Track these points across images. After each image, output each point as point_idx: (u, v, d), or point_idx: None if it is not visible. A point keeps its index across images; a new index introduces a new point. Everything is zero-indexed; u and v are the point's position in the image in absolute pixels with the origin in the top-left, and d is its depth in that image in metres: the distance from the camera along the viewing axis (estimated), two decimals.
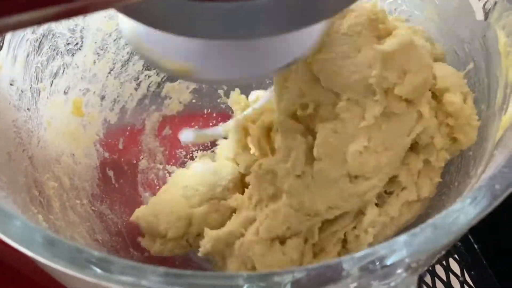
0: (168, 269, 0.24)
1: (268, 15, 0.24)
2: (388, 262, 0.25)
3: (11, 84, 0.43)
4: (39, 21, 0.22)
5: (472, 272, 0.53)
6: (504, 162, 0.26)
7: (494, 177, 0.26)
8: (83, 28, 0.50)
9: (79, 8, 0.22)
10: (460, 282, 0.53)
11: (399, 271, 0.26)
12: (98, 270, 0.24)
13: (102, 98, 0.54)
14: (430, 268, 0.53)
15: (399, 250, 0.25)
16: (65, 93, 0.50)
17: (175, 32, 0.26)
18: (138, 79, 0.57)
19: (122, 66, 0.55)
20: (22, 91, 0.44)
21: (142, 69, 0.57)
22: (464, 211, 0.24)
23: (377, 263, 0.25)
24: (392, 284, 0.26)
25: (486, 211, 0.25)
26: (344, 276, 0.24)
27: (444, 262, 0.54)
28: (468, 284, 0.53)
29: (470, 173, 0.35)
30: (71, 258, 0.25)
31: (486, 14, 0.38)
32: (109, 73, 0.54)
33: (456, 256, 0.54)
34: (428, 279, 0.53)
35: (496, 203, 0.25)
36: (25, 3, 0.21)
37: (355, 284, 0.25)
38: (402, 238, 0.25)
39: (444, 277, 0.53)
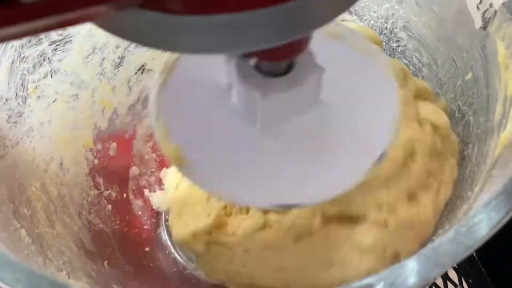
0: None
1: (252, 28, 0.23)
2: None
3: None
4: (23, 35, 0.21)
5: (470, 280, 0.53)
6: (502, 189, 0.25)
7: (490, 203, 0.25)
8: (71, 32, 0.49)
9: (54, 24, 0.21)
10: None
11: None
12: None
13: (93, 103, 0.53)
14: None
15: (392, 282, 0.24)
16: (53, 99, 0.49)
17: (155, 47, 0.25)
18: (129, 84, 0.56)
19: (113, 70, 0.54)
20: (6, 100, 0.43)
21: (134, 73, 0.56)
22: (458, 240, 0.23)
23: None
24: None
25: (483, 240, 0.24)
26: None
27: (442, 272, 0.53)
28: None
29: (467, 192, 0.34)
30: None
31: (485, 23, 0.37)
32: (99, 78, 0.53)
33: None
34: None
35: (493, 231, 0.24)
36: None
37: None
38: (396, 269, 0.24)
39: (441, 285, 0.53)
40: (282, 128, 0.31)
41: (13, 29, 0.20)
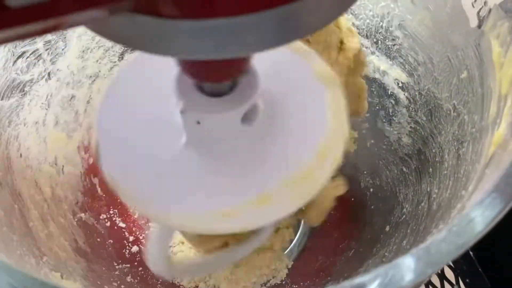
0: None
1: (245, 34, 0.23)
2: None
3: None
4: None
5: (467, 280, 0.53)
6: (493, 188, 0.25)
7: (483, 202, 0.24)
8: (66, 32, 0.49)
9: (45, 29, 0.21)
10: None
11: None
12: None
13: (87, 103, 0.53)
14: None
15: (384, 282, 0.23)
16: (47, 99, 0.48)
17: (150, 51, 0.24)
18: None
19: (109, 70, 0.54)
20: (1, 98, 0.42)
21: None
22: (450, 240, 0.23)
23: None
24: None
25: (475, 239, 0.24)
26: None
27: (438, 270, 0.53)
28: None
29: (461, 191, 0.34)
30: None
31: (480, 22, 0.37)
32: (95, 77, 0.53)
33: (451, 263, 0.53)
34: (422, 287, 0.53)
35: (487, 229, 0.24)
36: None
37: None
38: (387, 269, 0.24)
39: (438, 285, 0.53)
40: (216, 145, 0.32)
41: (2, 34, 0.20)
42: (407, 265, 0.23)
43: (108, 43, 0.53)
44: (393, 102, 0.52)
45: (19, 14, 0.19)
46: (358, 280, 0.23)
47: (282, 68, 0.34)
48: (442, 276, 0.53)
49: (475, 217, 0.24)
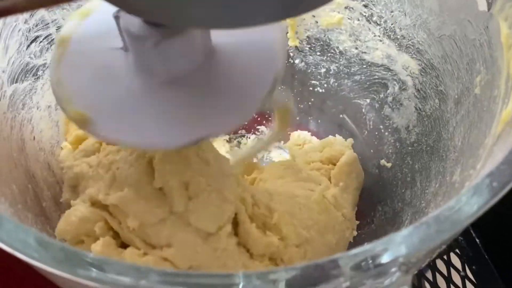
0: (166, 269, 0.23)
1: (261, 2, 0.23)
2: (383, 260, 0.24)
3: (3, 71, 0.42)
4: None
5: (474, 267, 0.53)
6: (502, 159, 0.25)
7: (492, 174, 0.25)
8: None
9: None
10: (461, 277, 0.53)
11: (393, 269, 0.25)
12: (94, 272, 0.23)
13: None
14: (431, 263, 0.53)
15: (393, 248, 0.24)
16: None
17: (165, 21, 0.25)
18: None
19: None
20: (14, 82, 0.43)
21: None
22: (461, 209, 0.24)
23: (370, 261, 0.24)
24: (386, 282, 0.26)
25: (483, 209, 0.24)
26: (337, 274, 0.24)
27: (445, 257, 0.53)
28: (469, 279, 0.52)
29: (469, 169, 0.34)
30: (65, 260, 0.24)
31: (489, 5, 0.37)
32: None
33: (457, 250, 0.54)
34: (429, 274, 0.53)
35: (494, 201, 0.24)
36: None
37: (347, 284, 0.24)
38: (397, 236, 0.24)
39: (445, 271, 0.53)
40: (178, 78, 0.33)
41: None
42: (408, 234, 0.24)
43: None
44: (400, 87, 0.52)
45: None
46: (362, 248, 0.24)
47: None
48: (448, 263, 0.53)
49: (483, 188, 0.25)
